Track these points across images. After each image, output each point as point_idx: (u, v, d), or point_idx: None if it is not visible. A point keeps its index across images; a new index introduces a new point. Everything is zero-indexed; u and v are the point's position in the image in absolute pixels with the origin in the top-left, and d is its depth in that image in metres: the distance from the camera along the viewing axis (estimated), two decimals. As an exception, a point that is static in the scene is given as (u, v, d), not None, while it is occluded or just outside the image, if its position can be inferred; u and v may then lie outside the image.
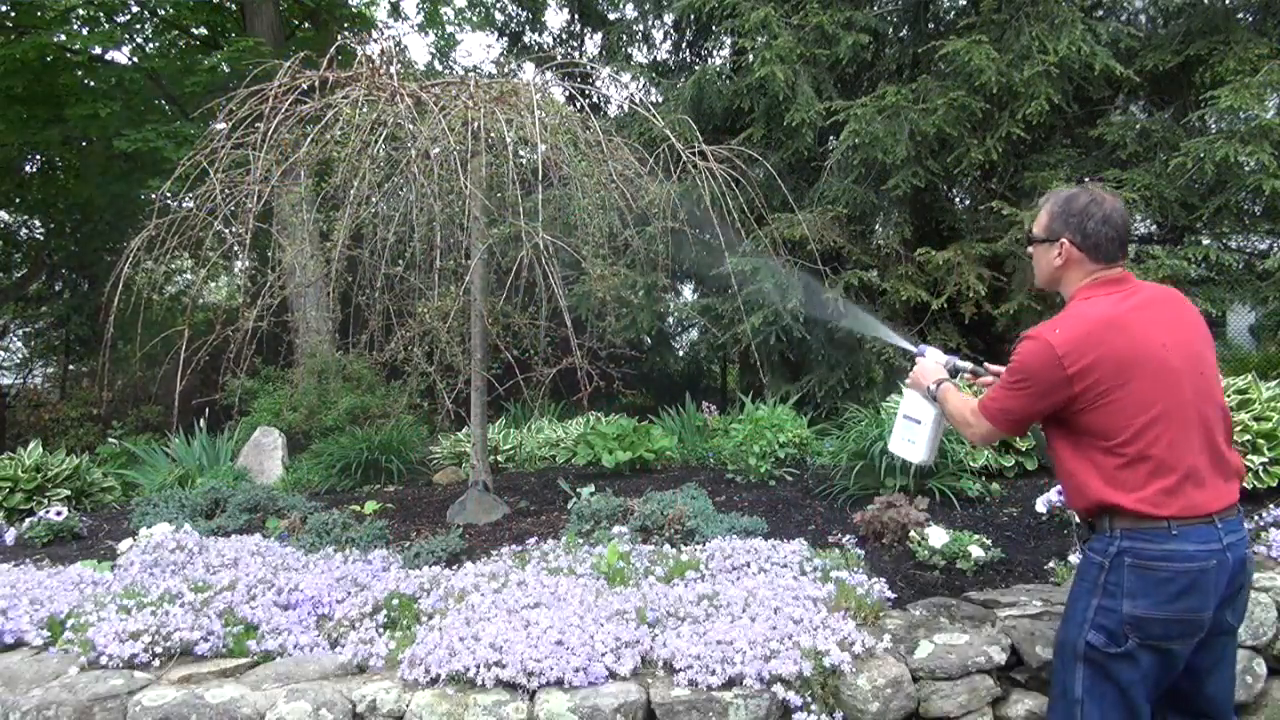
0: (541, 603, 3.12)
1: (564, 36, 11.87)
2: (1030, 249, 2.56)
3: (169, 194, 4.79)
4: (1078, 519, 2.49)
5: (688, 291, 9.58)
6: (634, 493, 4.92)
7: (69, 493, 6.04)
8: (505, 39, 12.29)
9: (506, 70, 5.63)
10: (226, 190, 4.40)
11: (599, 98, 8.57)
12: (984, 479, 4.77)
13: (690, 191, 5.00)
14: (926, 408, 2.87)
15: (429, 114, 4.38)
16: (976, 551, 3.72)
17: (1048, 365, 2.29)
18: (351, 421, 7.39)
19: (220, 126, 4.68)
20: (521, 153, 4.92)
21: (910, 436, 2.93)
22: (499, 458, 6.79)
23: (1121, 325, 2.29)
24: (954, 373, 2.88)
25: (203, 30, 12.54)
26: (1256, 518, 3.83)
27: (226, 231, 4.53)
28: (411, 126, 4.31)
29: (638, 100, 6.00)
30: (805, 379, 7.48)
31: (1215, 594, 2.25)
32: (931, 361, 2.86)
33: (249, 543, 4.29)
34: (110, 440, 8.96)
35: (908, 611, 3.18)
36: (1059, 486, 4.29)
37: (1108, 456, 2.27)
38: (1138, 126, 6.89)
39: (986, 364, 2.91)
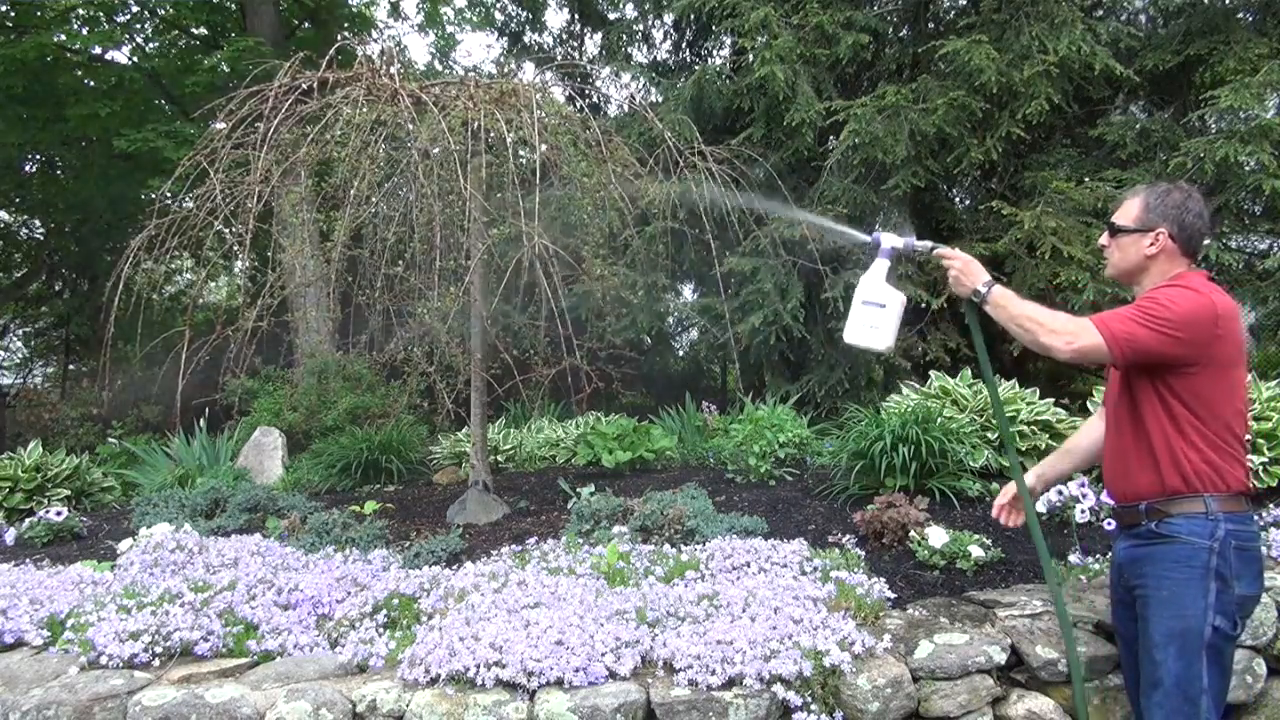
0: (541, 602, 3.12)
1: (564, 36, 11.88)
2: (1109, 240, 2.54)
3: (169, 194, 4.80)
4: (1144, 505, 2.42)
5: (688, 291, 9.58)
6: (634, 493, 4.92)
7: (69, 493, 6.05)
8: (505, 39, 12.30)
9: (506, 70, 5.63)
10: (226, 190, 4.40)
11: (599, 98, 8.58)
12: (984, 479, 4.77)
13: (690, 192, 5.00)
14: (891, 292, 2.68)
15: (429, 114, 4.38)
16: (976, 551, 3.72)
17: (1206, 322, 2.31)
18: (351, 421, 7.39)
19: (220, 126, 4.68)
20: (521, 153, 4.92)
21: (873, 322, 2.68)
22: (499, 458, 6.79)
23: (1238, 314, 2.40)
24: (912, 251, 2.73)
25: (203, 30, 12.55)
26: (1257, 517, 3.83)
27: (226, 231, 4.53)
28: (411, 126, 4.31)
29: (637, 100, 6.01)
30: (805, 379, 7.47)
31: None
32: (977, 266, 2.59)
33: (249, 543, 4.28)
34: (110, 440, 8.96)
35: (908, 611, 3.18)
36: (1059, 487, 4.29)
37: (1211, 433, 2.35)
38: (1138, 126, 6.89)
39: (938, 247, 2.73)
